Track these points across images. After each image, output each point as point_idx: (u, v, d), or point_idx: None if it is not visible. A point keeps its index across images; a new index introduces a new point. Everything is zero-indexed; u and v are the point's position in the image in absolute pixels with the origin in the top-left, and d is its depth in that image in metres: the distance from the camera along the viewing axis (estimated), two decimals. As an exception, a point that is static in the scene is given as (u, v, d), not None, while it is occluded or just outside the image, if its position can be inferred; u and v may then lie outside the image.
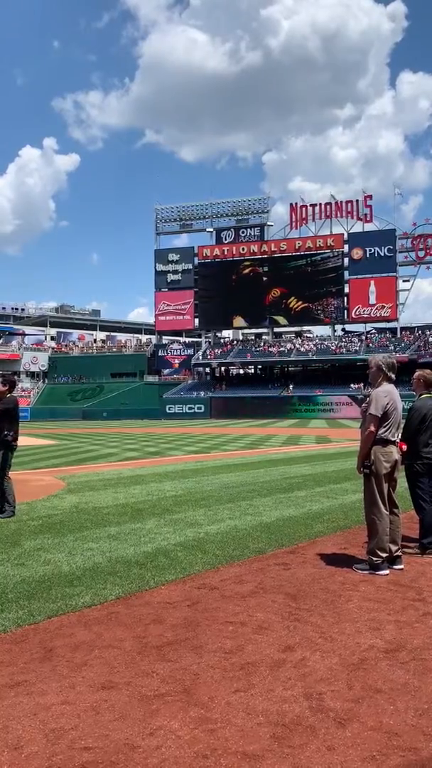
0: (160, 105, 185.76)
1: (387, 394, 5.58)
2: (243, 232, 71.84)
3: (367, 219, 66.25)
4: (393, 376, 5.73)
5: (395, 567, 5.61)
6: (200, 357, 70.84)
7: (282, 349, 68.15)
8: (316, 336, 73.09)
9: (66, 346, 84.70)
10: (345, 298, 67.32)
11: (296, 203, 68.89)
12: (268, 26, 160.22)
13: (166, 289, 74.15)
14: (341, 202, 67.24)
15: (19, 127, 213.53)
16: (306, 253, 68.62)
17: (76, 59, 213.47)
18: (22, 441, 20.11)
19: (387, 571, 5.48)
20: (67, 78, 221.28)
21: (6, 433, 8.20)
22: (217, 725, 2.88)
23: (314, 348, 66.98)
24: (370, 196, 66.64)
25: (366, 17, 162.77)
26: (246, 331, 76.51)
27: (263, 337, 73.57)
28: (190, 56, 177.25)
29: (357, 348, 64.03)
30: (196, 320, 73.59)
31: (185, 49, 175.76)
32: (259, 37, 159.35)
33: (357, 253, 66.25)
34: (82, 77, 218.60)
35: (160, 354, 74.73)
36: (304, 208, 68.25)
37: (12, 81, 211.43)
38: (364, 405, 5.76)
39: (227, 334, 79.22)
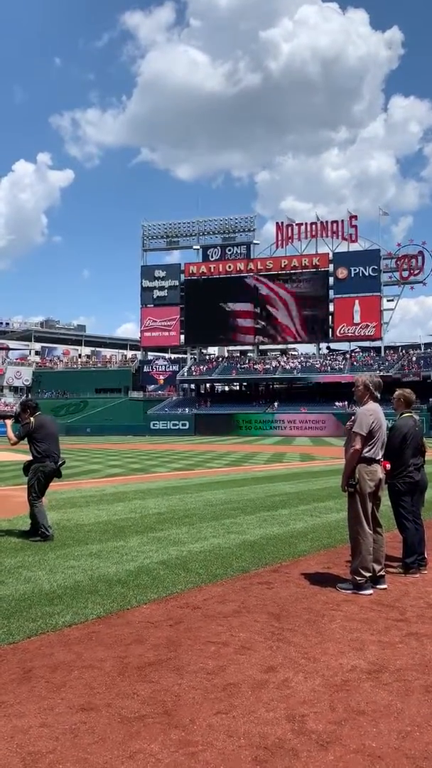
0: (157, 123, 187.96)
1: (372, 413, 5.60)
2: (230, 250, 72.36)
3: (353, 239, 67.11)
4: (378, 395, 5.76)
5: (378, 586, 5.60)
6: (185, 373, 70.84)
7: (267, 366, 68.41)
8: (301, 354, 73.50)
9: (50, 361, 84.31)
10: (330, 317, 67.88)
11: (282, 222, 69.63)
12: (268, 49, 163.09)
13: (152, 305, 74.27)
14: (327, 222, 68.11)
15: (15, 142, 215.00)
16: (291, 271, 69.21)
17: (75, 77, 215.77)
18: (4, 456, 19.92)
19: (370, 591, 5.47)
20: (66, 95, 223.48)
21: (37, 455, 7.98)
22: (198, 748, 2.83)
23: (299, 366, 67.28)
24: (356, 217, 67.61)
25: (364, 44, 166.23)
26: (231, 348, 76.71)
27: (248, 354, 73.81)
28: (189, 76, 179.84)
29: (341, 366, 64.43)
30: (182, 336, 73.71)
31: (184, 69, 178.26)
32: (258, 59, 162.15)
33: (342, 273, 66.96)
34: (81, 95, 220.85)
35: (145, 370, 74.64)
36: (290, 228, 68.98)
37: (11, 96, 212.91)
38: (348, 423, 5.78)
39: (213, 350, 79.37)
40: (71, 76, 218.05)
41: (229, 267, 71.51)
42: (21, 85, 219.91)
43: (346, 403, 55.03)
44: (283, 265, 69.61)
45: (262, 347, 73.49)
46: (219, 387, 75.58)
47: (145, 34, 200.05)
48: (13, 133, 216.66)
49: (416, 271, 65.44)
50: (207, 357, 76.56)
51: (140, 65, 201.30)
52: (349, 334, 67.32)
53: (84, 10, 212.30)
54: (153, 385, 74.37)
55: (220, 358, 75.09)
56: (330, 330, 68.06)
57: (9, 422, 8.48)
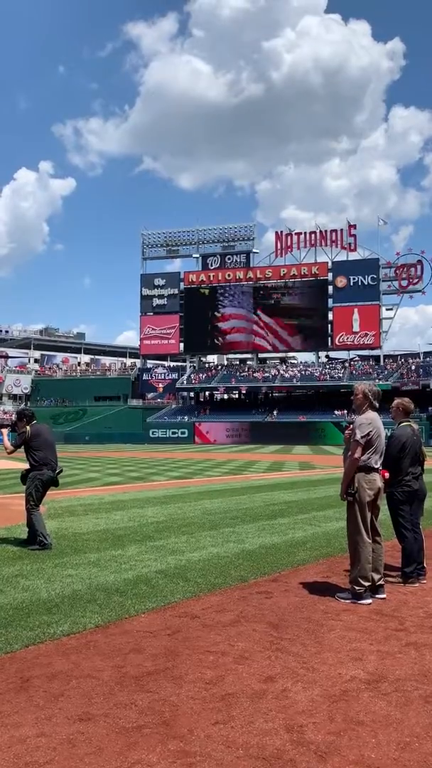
0: (160, 133, 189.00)
1: (371, 422, 5.61)
2: (229, 259, 72.59)
3: (351, 248, 67.34)
4: (377, 404, 5.78)
5: (378, 596, 5.58)
6: (185, 381, 70.85)
7: (266, 374, 68.46)
8: (301, 362, 73.56)
9: (50, 368, 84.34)
10: (329, 325, 68.01)
11: (282, 231, 69.90)
12: (271, 59, 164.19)
13: (152, 314, 74.42)
14: (326, 231, 68.38)
15: (17, 150, 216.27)
16: (291, 280, 69.39)
17: (78, 86, 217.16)
18: (2, 465, 19.90)
19: (370, 601, 5.45)
20: (69, 104, 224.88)
21: (34, 464, 7.97)
22: (197, 759, 2.82)
23: (298, 374, 67.33)
24: (354, 226, 67.89)
25: (366, 55, 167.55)
26: (231, 356, 76.75)
27: (248, 362, 73.86)
28: (191, 85, 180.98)
29: (340, 375, 64.48)
30: (182, 344, 73.78)
31: (186, 79, 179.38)
32: (260, 69, 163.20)
33: (341, 281, 67.16)
34: (83, 104, 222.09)
35: (144, 378, 74.64)
36: (289, 237, 69.24)
37: (14, 104, 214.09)
38: (347, 432, 5.79)
39: (212, 358, 79.40)
40: (74, 85, 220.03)
41: (229, 275, 71.69)
42: (24, 93, 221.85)
43: (345, 411, 55.04)
44: (282, 274, 69.82)
45: (261, 355, 73.57)
46: (218, 395, 75.59)
47: (148, 44, 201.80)
48: (15, 141, 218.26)
49: (415, 280, 65.65)
50: (206, 365, 76.60)
51: (143, 75, 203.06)
52: (348, 343, 67.44)
53: (88, 19, 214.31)
54: (152, 393, 74.37)
55: (220, 366, 75.14)
56: (329, 338, 68.17)
57: (5, 431, 8.50)
